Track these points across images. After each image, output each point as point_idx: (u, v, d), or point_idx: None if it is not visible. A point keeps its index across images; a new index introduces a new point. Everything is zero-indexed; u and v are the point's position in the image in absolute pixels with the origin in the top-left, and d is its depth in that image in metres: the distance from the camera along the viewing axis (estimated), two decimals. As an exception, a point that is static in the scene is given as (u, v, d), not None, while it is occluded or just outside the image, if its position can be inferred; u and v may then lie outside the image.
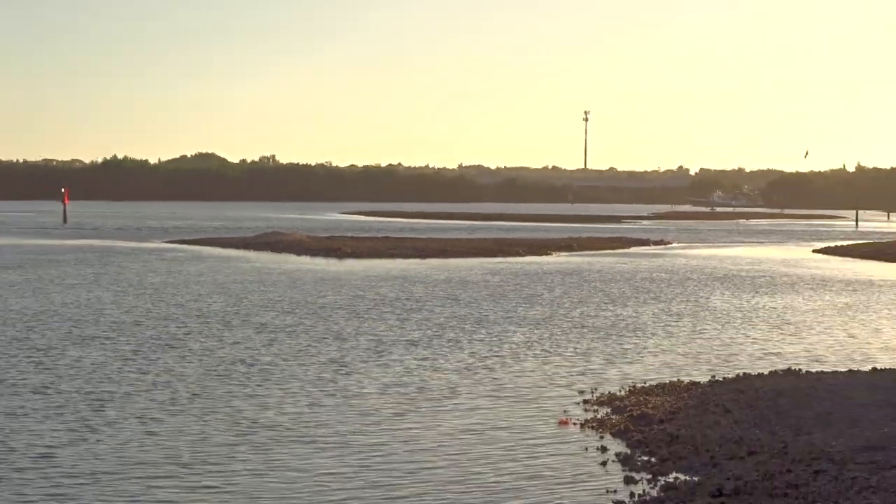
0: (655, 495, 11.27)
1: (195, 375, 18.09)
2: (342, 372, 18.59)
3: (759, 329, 25.55)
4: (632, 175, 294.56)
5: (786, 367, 19.43)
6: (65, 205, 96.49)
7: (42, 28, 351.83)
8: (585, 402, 16.29)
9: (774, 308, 30.27)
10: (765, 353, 21.63)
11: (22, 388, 16.88)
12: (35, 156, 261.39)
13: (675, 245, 67.71)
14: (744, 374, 18.54)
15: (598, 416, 15.13)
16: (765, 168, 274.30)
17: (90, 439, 13.55)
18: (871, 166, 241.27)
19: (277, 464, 12.56)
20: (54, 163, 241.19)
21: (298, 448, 13.28)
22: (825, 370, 19.06)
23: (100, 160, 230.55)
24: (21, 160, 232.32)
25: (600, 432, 14.21)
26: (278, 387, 17.22)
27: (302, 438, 13.73)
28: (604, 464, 12.69)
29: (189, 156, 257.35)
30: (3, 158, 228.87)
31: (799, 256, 57.39)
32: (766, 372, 18.74)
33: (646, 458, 12.73)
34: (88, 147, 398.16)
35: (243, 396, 16.37)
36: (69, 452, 12.89)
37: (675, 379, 18.15)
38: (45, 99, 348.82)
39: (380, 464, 12.64)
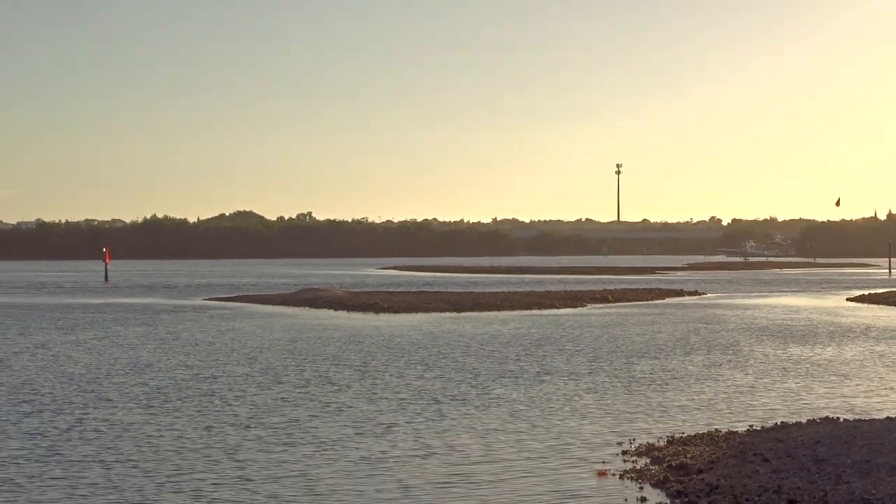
0: (695, 544, 11.38)
1: (232, 437, 18.39)
2: (375, 434, 18.44)
3: (797, 378, 25.52)
4: (665, 226, 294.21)
5: (823, 415, 19.47)
6: (106, 264, 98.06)
7: (82, 93, 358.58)
8: (624, 452, 16.40)
9: (811, 357, 30.20)
10: (802, 402, 21.64)
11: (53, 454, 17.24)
12: (77, 216, 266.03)
13: (709, 295, 67.48)
14: (781, 422, 18.60)
15: (637, 467, 15.24)
16: (797, 217, 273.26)
17: None
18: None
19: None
20: (95, 223, 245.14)
21: None
22: (863, 418, 19.07)
23: (140, 220, 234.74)
24: (63, 221, 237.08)
25: (640, 483, 14.31)
26: (306, 449, 17.45)
27: None
28: (643, 514, 12.81)
29: (227, 214, 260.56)
30: (46, 220, 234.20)
31: (834, 305, 57.06)
32: (804, 420, 18.78)
33: (685, 508, 12.84)
34: (129, 207, 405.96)
35: (275, 463, 16.47)
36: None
37: (713, 429, 18.23)
38: (86, 162, 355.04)
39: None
